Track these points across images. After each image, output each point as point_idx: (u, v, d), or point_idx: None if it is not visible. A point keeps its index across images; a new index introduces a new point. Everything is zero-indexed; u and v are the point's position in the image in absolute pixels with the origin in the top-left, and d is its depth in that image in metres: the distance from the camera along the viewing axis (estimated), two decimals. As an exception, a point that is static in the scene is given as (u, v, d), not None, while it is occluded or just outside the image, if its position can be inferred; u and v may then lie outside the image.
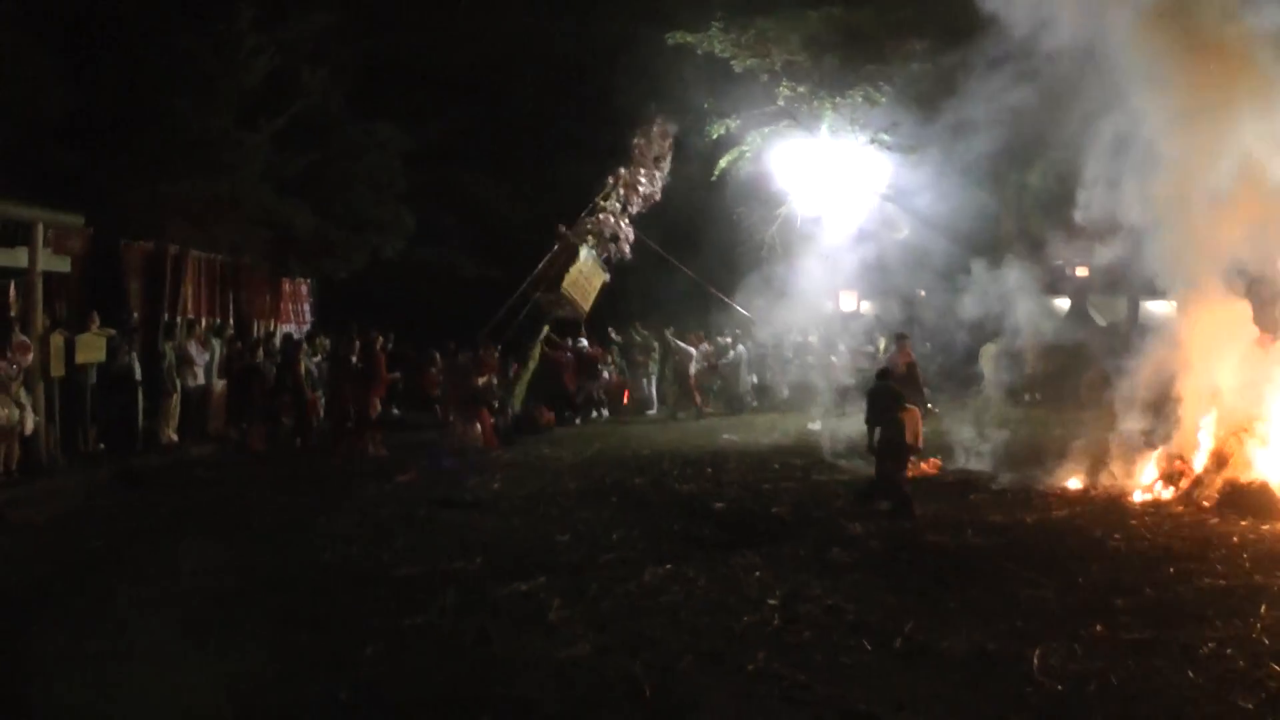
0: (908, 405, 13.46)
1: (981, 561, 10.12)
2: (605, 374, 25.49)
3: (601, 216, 24.34)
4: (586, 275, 23.89)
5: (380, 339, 20.96)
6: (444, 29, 28.09)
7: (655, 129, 25.03)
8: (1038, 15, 14.82)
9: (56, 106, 19.34)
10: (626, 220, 24.66)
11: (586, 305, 24.11)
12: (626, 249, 24.68)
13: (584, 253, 23.73)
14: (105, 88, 20.27)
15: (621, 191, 24.65)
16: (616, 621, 8.41)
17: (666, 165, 25.30)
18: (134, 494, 14.89)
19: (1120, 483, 13.75)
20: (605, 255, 24.49)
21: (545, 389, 23.76)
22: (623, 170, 24.63)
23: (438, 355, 22.31)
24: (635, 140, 24.82)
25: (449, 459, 17.36)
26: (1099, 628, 7.96)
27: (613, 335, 26.74)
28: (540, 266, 23.73)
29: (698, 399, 25.04)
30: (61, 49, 19.76)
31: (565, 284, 23.13)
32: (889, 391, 13.62)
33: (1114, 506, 12.96)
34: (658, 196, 25.09)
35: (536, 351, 23.88)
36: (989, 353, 24.34)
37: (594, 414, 24.39)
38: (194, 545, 11.43)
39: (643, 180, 24.78)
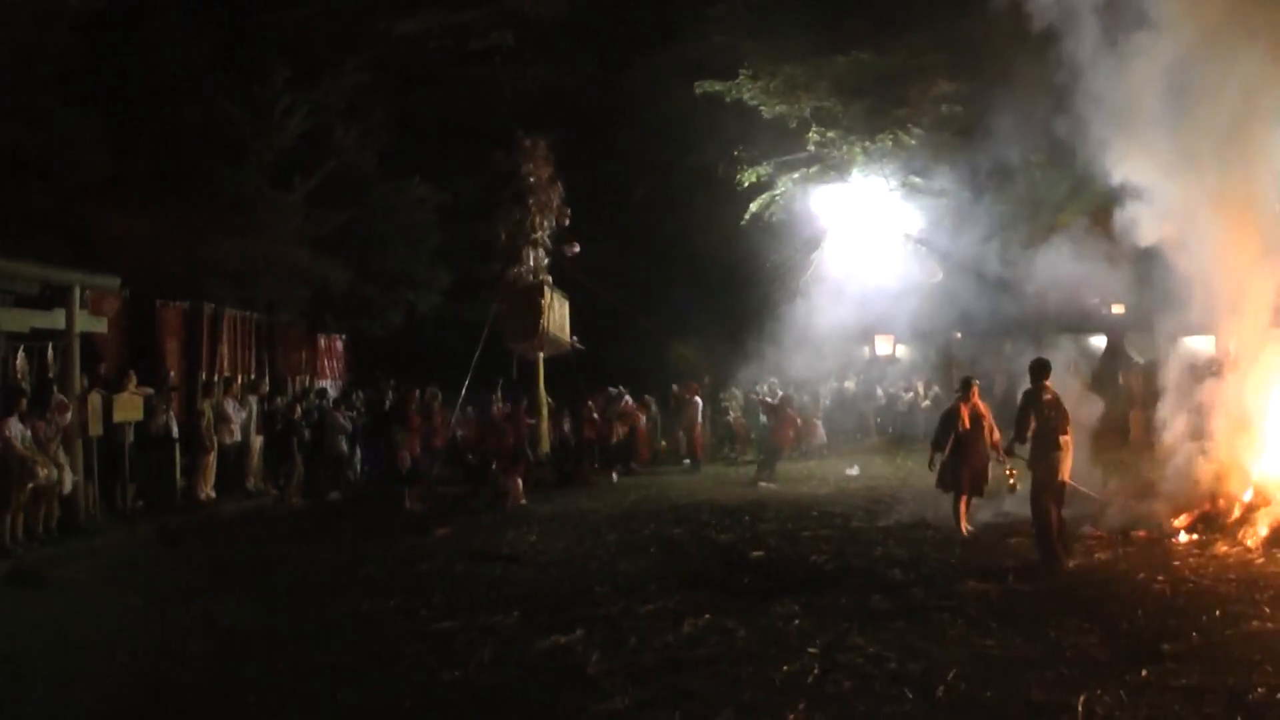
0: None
1: (1024, 607, 9.96)
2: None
3: (538, 250, 24.30)
4: (558, 309, 23.92)
5: (417, 392, 21.05)
6: (474, 85, 28.32)
7: (532, 149, 24.61)
8: (1068, 54, 14.86)
9: (94, 169, 19.60)
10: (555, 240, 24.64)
11: (566, 336, 24.19)
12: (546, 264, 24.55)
13: (547, 286, 23.68)
14: (141, 151, 20.53)
15: (536, 219, 24.39)
16: (656, 674, 8.31)
17: (556, 177, 24.99)
18: (172, 551, 14.97)
19: (1163, 523, 13.54)
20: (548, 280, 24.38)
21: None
22: (531, 202, 24.33)
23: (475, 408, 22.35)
24: (524, 169, 24.46)
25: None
26: (1145, 674, 7.81)
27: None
28: (503, 315, 23.77)
29: (700, 451, 24.89)
30: (99, 113, 20.03)
31: (546, 326, 23.02)
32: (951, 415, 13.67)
33: (1157, 548, 12.74)
34: (566, 214, 24.77)
35: (544, 401, 23.83)
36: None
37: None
38: (232, 600, 11.51)
39: (546, 199, 24.52)
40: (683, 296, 31.42)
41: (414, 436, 19.03)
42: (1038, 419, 12.12)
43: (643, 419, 25.28)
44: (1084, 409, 14.80)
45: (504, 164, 23.79)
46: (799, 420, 24.52)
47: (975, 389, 14.42)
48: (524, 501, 18.58)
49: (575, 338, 24.54)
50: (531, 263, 23.77)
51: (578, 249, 23.99)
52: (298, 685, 8.42)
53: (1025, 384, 12.81)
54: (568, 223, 24.45)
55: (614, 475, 22.21)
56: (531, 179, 24.06)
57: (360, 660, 9.00)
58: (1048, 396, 12.20)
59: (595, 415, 23.39)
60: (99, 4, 19.68)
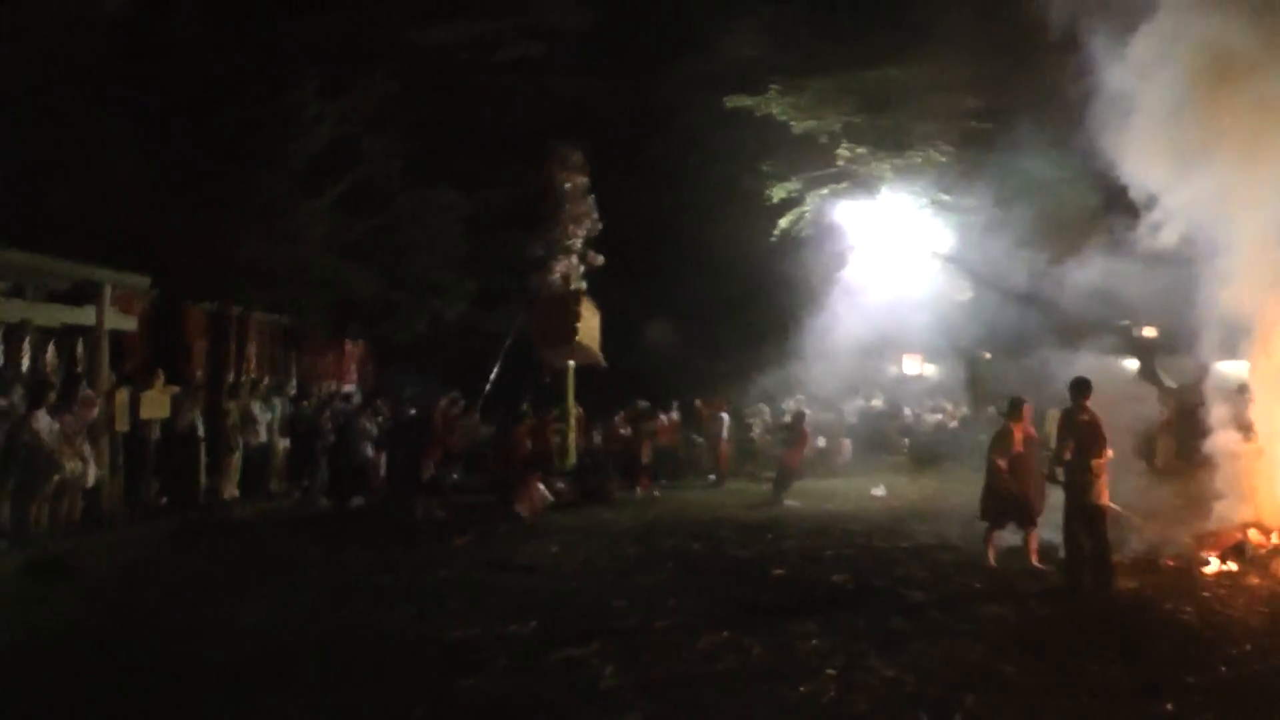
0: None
1: (1045, 634, 9.85)
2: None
3: (571, 259, 24.35)
4: (589, 319, 23.73)
5: (445, 401, 21.03)
6: (502, 95, 28.35)
7: (566, 158, 24.82)
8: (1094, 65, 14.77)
9: (125, 171, 19.70)
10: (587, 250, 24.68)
11: (597, 348, 24.04)
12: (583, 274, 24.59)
13: (582, 298, 23.64)
14: (171, 153, 20.63)
15: (567, 228, 24.55)
16: (670, 690, 8.24)
17: (588, 186, 25.09)
18: (193, 548, 15.01)
19: (1192, 552, 13.34)
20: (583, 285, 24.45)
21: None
22: (564, 210, 24.47)
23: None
24: (559, 177, 24.67)
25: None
26: (1169, 707, 7.68)
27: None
28: (535, 323, 23.84)
29: (724, 467, 24.74)
30: (131, 116, 20.15)
31: (580, 336, 22.96)
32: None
33: (1185, 577, 12.55)
34: (598, 225, 24.88)
35: (572, 410, 23.72)
36: (1053, 418, 23.97)
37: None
38: (250, 601, 11.52)
39: (579, 211, 24.65)
40: (709, 310, 31.37)
41: (435, 445, 18.93)
42: (1074, 440, 11.85)
43: (672, 434, 25.15)
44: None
45: (545, 173, 23.92)
46: (817, 439, 24.42)
47: (1027, 409, 13.78)
48: (537, 512, 18.44)
49: (600, 356, 24.43)
50: (564, 271, 23.75)
51: (601, 260, 23.92)
52: (311, 688, 8.40)
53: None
54: (599, 231, 24.44)
55: (638, 491, 21.56)
56: (567, 186, 24.13)
57: (375, 665, 8.98)
58: (1085, 417, 11.89)
59: (622, 430, 23.26)
60: (131, 9, 19.81)
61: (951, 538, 15.10)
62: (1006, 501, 13.25)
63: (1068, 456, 11.91)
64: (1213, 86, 13.73)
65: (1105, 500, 11.91)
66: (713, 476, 24.36)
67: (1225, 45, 13.67)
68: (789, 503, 19.97)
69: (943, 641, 9.49)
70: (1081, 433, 11.81)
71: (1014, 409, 13.75)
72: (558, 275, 23.92)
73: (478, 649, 9.40)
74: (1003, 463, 13.20)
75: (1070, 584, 11.76)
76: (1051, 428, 23.24)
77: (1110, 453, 11.93)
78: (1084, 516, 11.76)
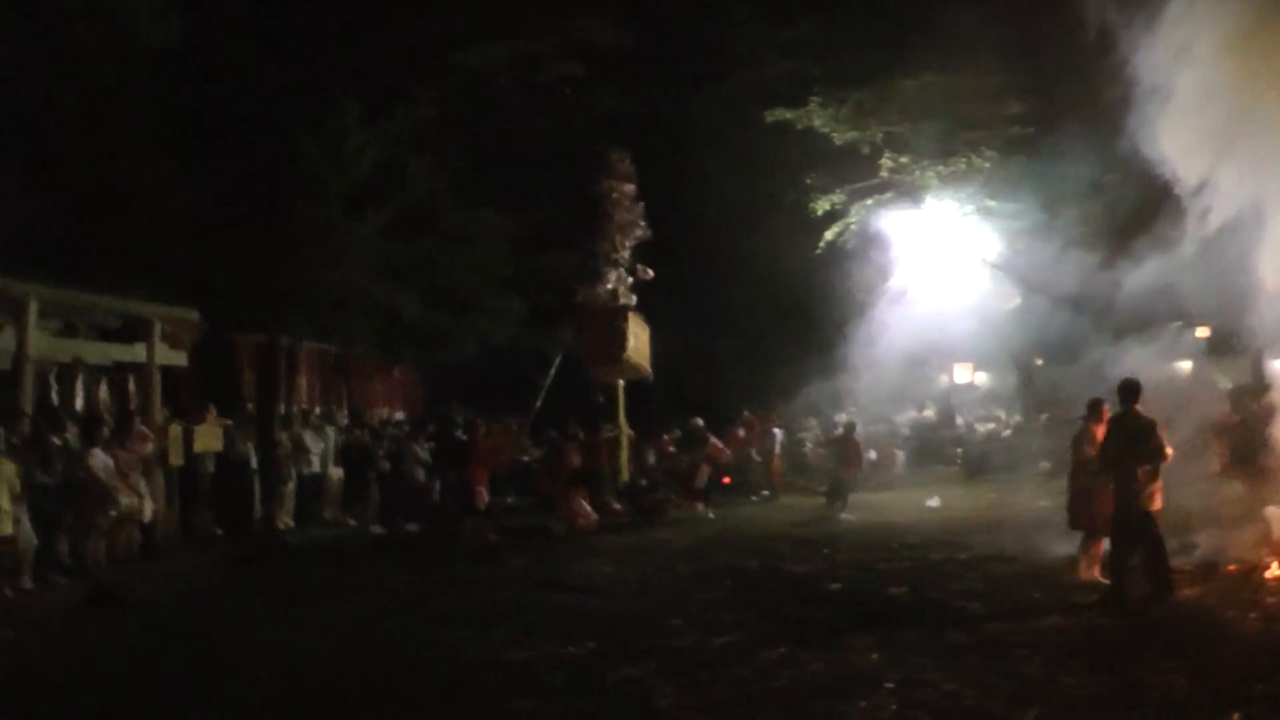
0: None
1: (1107, 644, 9.72)
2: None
3: (619, 271, 23.70)
4: (638, 334, 23.37)
5: (484, 424, 21.06)
6: (545, 114, 28.49)
7: (615, 165, 24.04)
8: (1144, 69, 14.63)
9: (171, 203, 19.94)
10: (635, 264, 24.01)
11: (646, 364, 23.76)
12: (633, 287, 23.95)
13: (630, 314, 23.18)
14: (217, 184, 20.86)
15: (616, 239, 23.79)
16: (728, 707, 8.21)
17: (636, 193, 24.33)
18: (249, 577, 15.19)
19: (1255, 558, 13.11)
20: (633, 301, 23.78)
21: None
22: (614, 220, 23.73)
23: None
24: (606, 185, 23.89)
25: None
26: (1236, 718, 7.57)
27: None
28: (583, 340, 23.49)
29: (777, 482, 24.60)
30: (176, 147, 20.40)
31: (629, 354, 22.52)
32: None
33: (1248, 584, 12.30)
34: (648, 234, 24.14)
35: (624, 429, 23.47)
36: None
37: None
38: (306, 627, 11.62)
39: (629, 220, 23.92)
40: (757, 324, 31.34)
41: (483, 468, 18.91)
42: (1123, 446, 11.54)
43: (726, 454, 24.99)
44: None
45: (592, 181, 23.51)
46: (869, 452, 24.28)
47: (1106, 410, 12.89)
48: (577, 529, 18.38)
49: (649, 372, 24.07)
50: (612, 284, 23.41)
51: (651, 274, 23.73)
52: (367, 711, 8.43)
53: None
54: (649, 239, 24.08)
55: (699, 507, 21.37)
56: (614, 195, 23.71)
57: (431, 688, 9.00)
58: (1134, 422, 11.54)
59: (670, 449, 23.23)
60: (175, 42, 20.07)
61: (1008, 549, 14.95)
62: (1094, 509, 12.54)
63: (1111, 463, 11.65)
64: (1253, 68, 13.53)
65: (1157, 507, 11.55)
66: (765, 493, 24.25)
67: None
68: (844, 516, 19.88)
69: (1002, 655, 9.38)
70: (1131, 437, 11.47)
71: (1094, 410, 13.07)
72: (606, 289, 23.33)
73: (534, 670, 9.38)
74: (1092, 450, 12.56)
75: (1113, 594, 11.43)
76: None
77: (1170, 452, 11.61)
78: (1134, 524, 11.42)
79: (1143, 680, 8.48)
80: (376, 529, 19.62)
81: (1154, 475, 11.47)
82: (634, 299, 23.51)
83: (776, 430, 25.00)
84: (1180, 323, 25.56)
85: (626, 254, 23.65)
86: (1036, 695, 8.14)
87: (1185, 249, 16.04)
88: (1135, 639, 9.85)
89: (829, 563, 14.89)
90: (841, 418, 26.24)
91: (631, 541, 17.77)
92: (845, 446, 21.62)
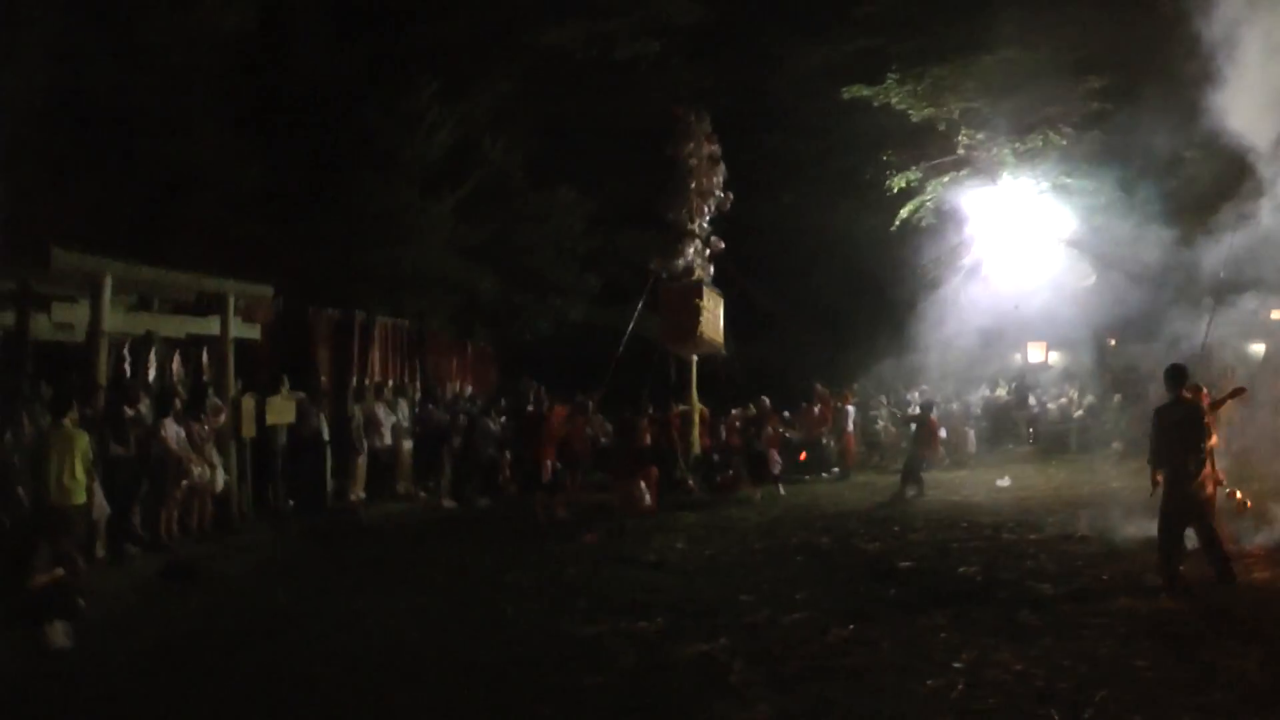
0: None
1: (1178, 628, 9.63)
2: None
3: (696, 243, 23.36)
4: (713, 309, 23.14)
5: (550, 400, 21.07)
6: (621, 92, 28.52)
7: (694, 126, 23.46)
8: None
9: (249, 181, 20.24)
10: (710, 234, 23.61)
11: (721, 339, 23.55)
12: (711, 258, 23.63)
13: (706, 289, 22.96)
14: (295, 163, 21.13)
15: (696, 206, 23.34)
16: (799, 684, 8.27)
17: (719, 154, 23.70)
18: (322, 551, 15.40)
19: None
20: (710, 276, 23.55)
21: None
22: (692, 186, 23.28)
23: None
24: (685, 149, 23.33)
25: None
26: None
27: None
28: (659, 316, 23.18)
29: (851, 459, 24.53)
30: (255, 128, 20.68)
31: (703, 330, 22.43)
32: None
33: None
34: (729, 200, 23.60)
35: (696, 405, 23.34)
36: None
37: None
38: (379, 600, 11.78)
39: (708, 184, 23.45)
40: (831, 301, 31.26)
41: (551, 444, 18.96)
42: (1166, 433, 11.28)
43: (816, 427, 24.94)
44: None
45: (671, 144, 23.14)
46: (942, 430, 24.11)
47: (1205, 393, 12.58)
48: (649, 508, 18.12)
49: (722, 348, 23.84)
50: (690, 256, 23.12)
51: (721, 245, 23.45)
52: (440, 684, 8.58)
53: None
54: (729, 207, 23.63)
55: (779, 488, 20.95)
56: (693, 160, 23.25)
57: (503, 662, 9.11)
58: (1182, 411, 11.31)
59: (738, 424, 23.17)
60: (251, 25, 20.34)
61: (1080, 529, 14.85)
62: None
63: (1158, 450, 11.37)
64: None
65: (1210, 492, 11.33)
66: (836, 469, 24.20)
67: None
68: (914, 496, 19.83)
69: (1073, 635, 9.36)
70: (1178, 425, 11.23)
71: (1195, 392, 12.26)
72: (683, 261, 23.08)
73: (605, 645, 9.50)
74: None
75: (1165, 580, 11.15)
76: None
77: (1215, 441, 11.42)
78: (1186, 510, 11.22)
79: (1214, 664, 8.43)
80: (448, 503, 19.83)
81: (1202, 463, 11.22)
82: (711, 270, 23.39)
83: (850, 407, 24.88)
84: (1256, 305, 25.29)
85: (705, 222, 23.37)
86: (1106, 677, 8.14)
87: (1263, 227, 15.86)
88: (1207, 622, 9.77)
89: (900, 541, 14.88)
90: (913, 396, 26.19)
91: (703, 518, 17.81)
92: (922, 424, 21.44)
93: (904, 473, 20.39)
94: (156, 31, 18.99)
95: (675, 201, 23.11)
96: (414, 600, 11.76)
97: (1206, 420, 11.38)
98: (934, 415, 21.82)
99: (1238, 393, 12.92)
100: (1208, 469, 11.29)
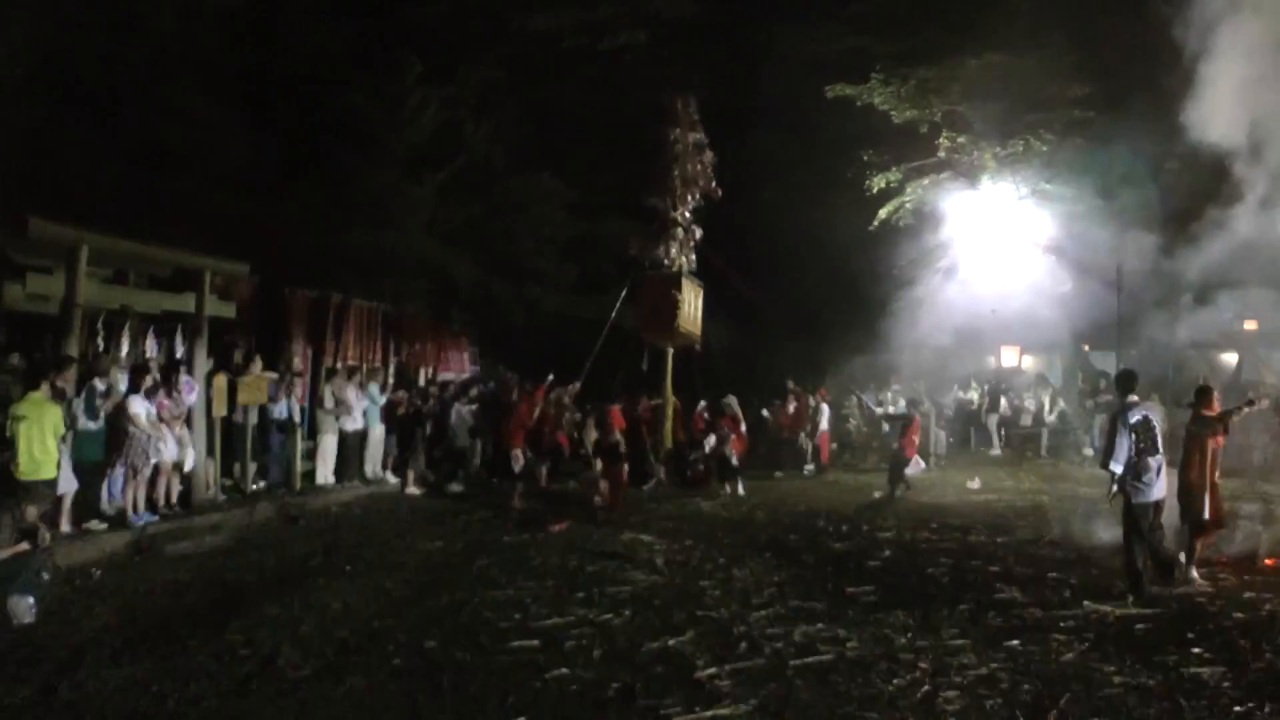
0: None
1: (1145, 633, 9.73)
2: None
3: (678, 232, 23.05)
4: (691, 300, 23.02)
5: (521, 385, 20.94)
6: (605, 82, 28.46)
7: (681, 112, 23.19)
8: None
9: (231, 158, 20.12)
10: (692, 223, 23.28)
11: (698, 330, 23.41)
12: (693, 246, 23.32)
13: (685, 280, 22.76)
14: (277, 141, 21.02)
15: (679, 193, 23.00)
16: (765, 680, 8.29)
17: (705, 141, 23.42)
18: (289, 532, 15.34)
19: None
20: (692, 266, 23.32)
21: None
22: (675, 173, 22.98)
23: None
24: (673, 135, 23.05)
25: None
26: (1267, 710, 7.59)
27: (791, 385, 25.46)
28: (637, 306, 22.99)
29: (825, 456, 24.48)
30: (236, 104, 20.57)
31: (680, 322, 22.32)
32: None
33: (1286, 576, 12.36)
34: (717, 189, 23.35)
35: (669, 398, 23.13)
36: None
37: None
38: (345, 583, 11.78)
39: (693, 171, 23.13)
40: (808, 297, 31.26)
41: (520, 433, 18.84)
42: (1125, 439, 11.35)
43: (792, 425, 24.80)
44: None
45: (663, 129, 22.87)
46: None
47: (1215, 398, 12.46)
48: (617, 508, 17.65)
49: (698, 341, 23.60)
50: (672, 245, 22.88)
51: (699, 234, 23.15)
52: (403, 671, 8.57)
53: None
54: (718, 194, 23.37)
55: (728, 489, 20.51)
56: (678, 146, 23.00)
57: (468, 651, 9.12)
58: (1137, 415, 11.42)
59: (705, 417, 23.01)
60: (239, 2, 20.24)
61: (1049, 534, 14.94)
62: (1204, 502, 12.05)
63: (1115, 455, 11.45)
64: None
65: (1156, 497, 11.42)
66: (810, 467, 24.18)
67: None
68: (880, 494, 19.86)
69: (1039, 639, 9.43)
70: (1134, 430, 11.34)
71: (1201, 399, 12.41)
72: (664, 249, 22.87)
73: (571, 636, 9.51)
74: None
75: (1131, 583, 11.30)
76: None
77: (1162, 452, 11.48)
78: (1136, 515, 11.37)
79: (1179, 670, 8.52)
80: (416, 489, 19.75)
81: (1161, 466, 11.40)
82: (693, 259, 23.23)
83: (825, 405, 24.88)
84: (1230, 315, 25.44)
85: (689, 210, 23.15)
86: (1071, 680, 8.20)
87: (1238, 239, 15.97)
88: (1174, 629, 9.83)
89: (869, 540, 14.90)
90: (887, 395, 26.21)
91: (673, 511, 17.80)
92: (908, 424, 21.07)
93: (890, 473, 20.23)
94: (146, 1, 18.85)
95: (659, 187, 22.93)
96: (379, 585, 11.74)
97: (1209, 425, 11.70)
98: (918, 414, 21.68)
99: (1249, 404, 12.94)
100: (1156, 474, 11.39)
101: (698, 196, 23.29)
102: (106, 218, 15.70)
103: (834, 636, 9.49)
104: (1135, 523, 11.36)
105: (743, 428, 21.87)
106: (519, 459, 18.31)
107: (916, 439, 21.20)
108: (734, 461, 20.72)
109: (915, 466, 20.82)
